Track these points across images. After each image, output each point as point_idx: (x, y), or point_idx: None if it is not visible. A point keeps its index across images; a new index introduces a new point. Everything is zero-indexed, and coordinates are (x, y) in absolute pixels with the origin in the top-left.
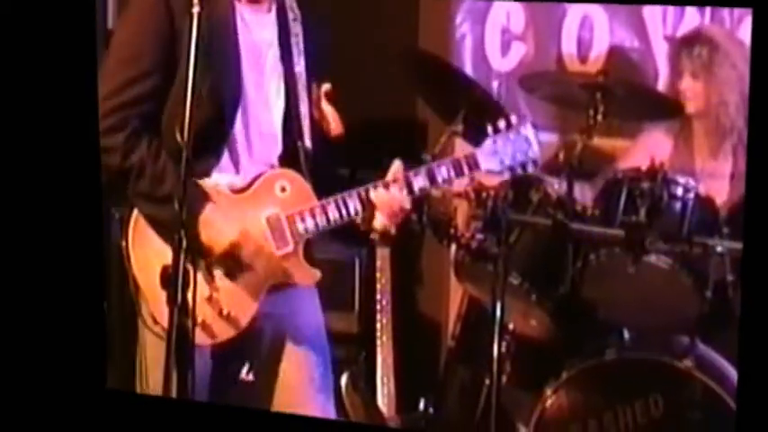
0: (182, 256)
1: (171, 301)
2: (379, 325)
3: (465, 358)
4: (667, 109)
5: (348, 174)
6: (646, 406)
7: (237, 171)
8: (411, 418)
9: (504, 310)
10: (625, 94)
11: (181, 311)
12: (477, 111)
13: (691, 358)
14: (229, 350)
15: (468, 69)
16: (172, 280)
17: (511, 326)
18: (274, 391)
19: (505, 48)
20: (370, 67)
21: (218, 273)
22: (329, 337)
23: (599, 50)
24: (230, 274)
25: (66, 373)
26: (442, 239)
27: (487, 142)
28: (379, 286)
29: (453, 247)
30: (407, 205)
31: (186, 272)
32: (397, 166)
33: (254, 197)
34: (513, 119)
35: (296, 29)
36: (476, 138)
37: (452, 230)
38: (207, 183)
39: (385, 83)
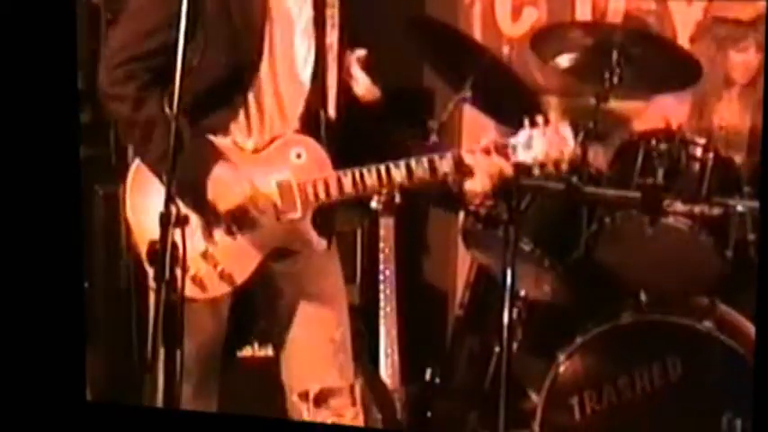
0: (170, 230)
1: (158, 277)
2: (382, 296)
3: (474, 327)
4: (686, 72)
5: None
6: (663, 369)
7: (250, 132)
8: (416, 388)
9: (516, 277)
10: (641, 57)
11: (169, 287)
12: (487, 77)
13: (711, 319)
14: (245, 308)
15: (478, 35)
16: (159, 255)
17: (522, 292)
18: (290, 352)
19: (516, 13)
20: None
21: (217, 230)
22: None
23: (614, 12)
24: (231, 233)
25: (44, 386)
26: (448, 207)
27: (522, 133)
28: (382, 256)
29: (461, 214)
30: (509, 171)
31: (175, 247)
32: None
33: (268, 159)
34: (552, 116)
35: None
36: (485, 104)
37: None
38: (220, 140)
39: (391, 50)
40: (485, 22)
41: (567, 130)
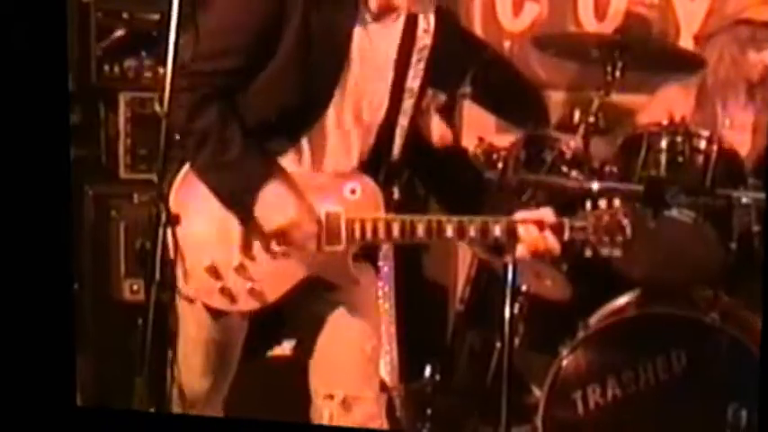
0: (160, 231)
1: (149, 277)
2: (381, 293)
3: (475, 322)
4: (688, 64)
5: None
6: (668, 362)
7: (309, 163)
8: (416, 385)
9: (517, 272)
10: (644, 51)
11: (159, 288)
12: (487, 72)
13: (716, 311)
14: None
15: (478, 31)
16: (150, 255)
17: (524, 287)
18: (319, 357)
19: (517, 8)
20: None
21: (257, 246)
22: None
23: (617, 8)
24: (270, 251)
25: (33, 391)
26: None
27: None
28: (380, 253)
29: None
30: (557, 251)
31: (166, 248)
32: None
33: (321, 189)
34: (617, 203)
35: (424, 40)
36: (485, 99)
37: None
38: (280, 160)
39: None
40: (485, 18)
41: (625, 221)
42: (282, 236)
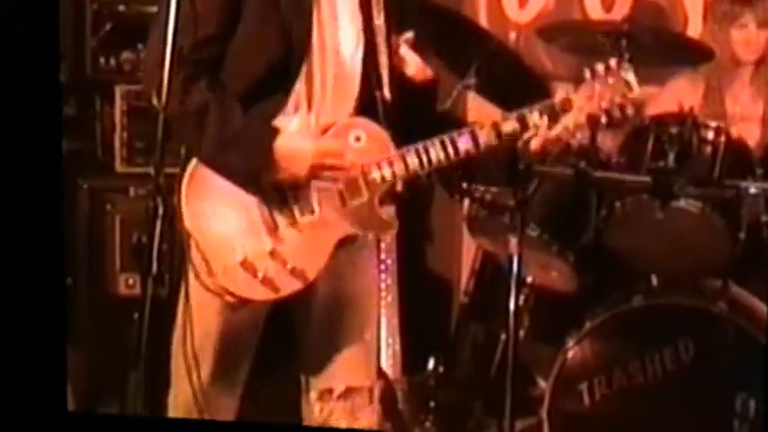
0: (158, 224)
1: (146, 271)
2: (383, 285)
3: (479, 314)
4: (696, 54)
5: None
6: (675, 352)
7: (309, 115)
8: (419, 378)
9: (522, 263)
10: (652, 41)
11: (156, 282)
12: (492, 63)
13: (724, 301)
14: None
15: (483, 22)
16: (147, 248)
17: (529, 279)
18: (318, 350)
19: None
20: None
21: (282, 224)
22: None
23: None
24: (296, 225)
25: (22, 395)
26: (453, 194)
27: (584, 86)
28: (383, 245)
29: (466, 201)
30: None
31: (169, 241)
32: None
33: (323, 146)
34: (612, 62)
35: None
36: (490, 91)
37: (465, 184)
38: (280, 123)
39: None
40: (490, 9)
41: (630, 74)
42: (305, 198)
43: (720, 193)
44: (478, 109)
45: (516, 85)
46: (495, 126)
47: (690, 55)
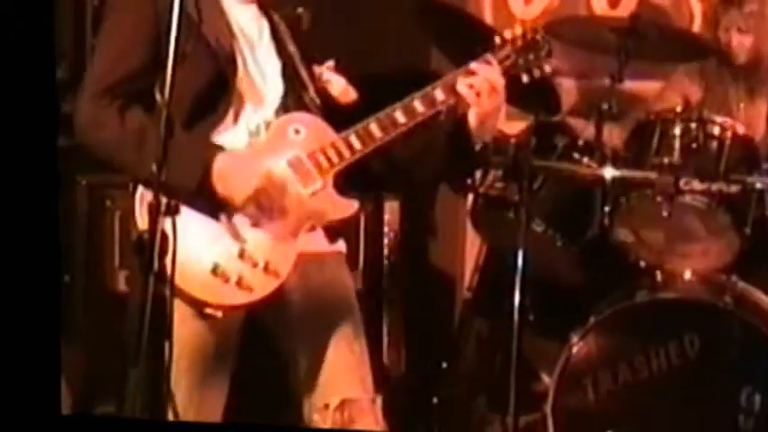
0: (159, 221)
1: (145, 268)
2: (386, 281)
3: (483, 310)
4: (702, 49)
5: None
6: (681, 347)
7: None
8: (422, 374)
9: (527, 258)
10: (658, 37)
11: (157, 280)
12: None
13: (729, 295)
14: (257, 324)
15: (488, 19)
16: (147, 246)
17: (533, 274)
18: (309, 366)
19: None
20: (382, 18)
21: (243, 226)
22: None
23: None
24: (258, 224)
25: (13, 397)
26: (457, 190)
27: (503, 50)
28: (386, 241)
29: (470, 196)
30: (501, 87)
31: (165, 238)
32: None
33: (269, 146)
34: (518, 27)
35: (281, 25)
36: None
37: (469, 180)
38: (220, 139)
39: (398, 34)
40: (495, 5)
41: (539, 36)
42: (261, 202)
43: (726, 188)
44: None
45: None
46: (428, 96)
47: (695, 50)
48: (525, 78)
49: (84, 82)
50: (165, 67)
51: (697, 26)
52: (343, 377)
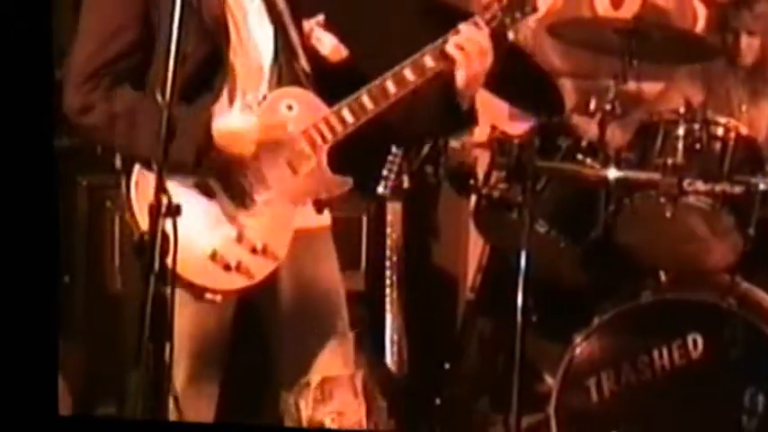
0: (160, 221)
1: (147, 268)
2: (388, 282)
3: (486, 311)
4: (705, 51)
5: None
6: (684, 347)
7: (234, 100)
8: (424, 375)
9: (530, 259)
10: (661, 38)
11: (158, 279)
12: (500, 59)
13: (733, 296)
14: (247, 304)
15: None
16: (148, 244)
17: (536, 274)
18: (289, 346)
19: None
20: (382, 19)
21: (240, 210)
22: None
23: None
24: (255, 206)
25: (10, 398)
26: (460, 191)
27: (490, 11)
28: (389, 242)
29: (473, 197)
30: (487, 44)
31: (166, 237)
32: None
33: (261, 123)
34: None
35: None
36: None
37: (472, 181)
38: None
39: (399, 33)
40: None
41: None
42: (255, 180)
43: (730, 189)
44: (487, 105)
45: (525, 81)
46: (418, 64)
47: (698, 52)
48: (511, 35)
49: (70, 65)
50: (165, 64)
51: (700, 28)
52: (326, 356)
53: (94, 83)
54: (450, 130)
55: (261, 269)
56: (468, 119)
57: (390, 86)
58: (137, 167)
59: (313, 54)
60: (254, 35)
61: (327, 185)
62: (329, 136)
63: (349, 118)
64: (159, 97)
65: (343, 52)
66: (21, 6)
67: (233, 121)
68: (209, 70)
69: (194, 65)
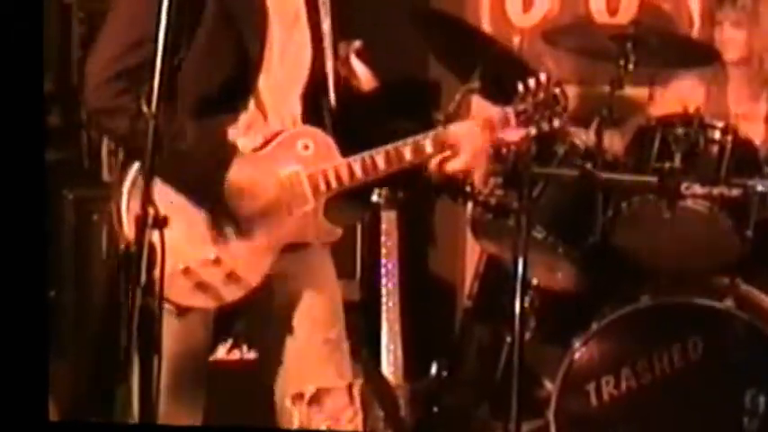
0: (146, 231)
1: (133, 280)
2: (384, 290)
3: (483, 317)
4: (702, 55)
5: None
6: (684, 350)
7: (252, 131)
8: (421, 383)
9: (528, 265)
10: (658, 44)
11: (145, 292)
12: (496, 66)
13: (731, 298)
14: (233, 313)
15: (486, 26)
16: (135, 257)
17: (534, 281)
18: (283, 355)
19: (528, 3)
20: (379, 26)
21: (229, 233)
22: None
23: (629, 0)
24: (242, 233)
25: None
26: (456, 198)
27: (523, 104)
28: (384, 250)
29: (469, 205)
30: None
31: (153, 249)
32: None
33: (273, 155)
34: (543, 77)
35: None
36: (494, 94)
37: (468, 188)
38: (232, 138)
39: (396, 41)
40: (494, 14)
41: (557, 90)
42: (250, 213)
43: (727, 191)
44: (482, 113)
45: None
46: (440, 138)
47: (696, 56)
48: (533, 131)
49: (96, 58)
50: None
51: (696, 29)
52: (318, 366)
53: (122, 84)
54: None
55: (230, 294)
56: None
57: (407, 153)
58: (130, 176)
59: (344, 85)
60: (288, 60)
61: (318, 232)
62: (335, 185)
63: (359, 173)
64: (144, 108)
65: (375, 83)
66: (10, 20)
67: (254, 171)
68: (235, 89)
69: (221, 80)
